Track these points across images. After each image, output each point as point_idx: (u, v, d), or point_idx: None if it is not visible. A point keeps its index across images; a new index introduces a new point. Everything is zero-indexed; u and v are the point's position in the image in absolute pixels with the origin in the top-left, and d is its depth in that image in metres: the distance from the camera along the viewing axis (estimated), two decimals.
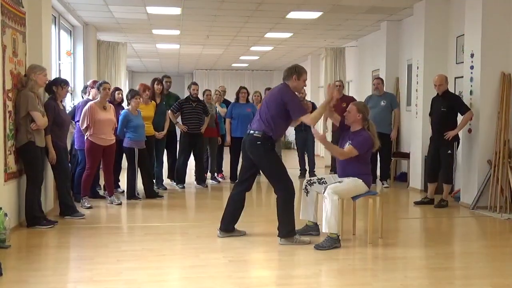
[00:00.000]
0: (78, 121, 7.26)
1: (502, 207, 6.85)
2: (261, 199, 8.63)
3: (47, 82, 6.21)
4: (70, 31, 10.52)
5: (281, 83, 5.44)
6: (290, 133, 14.74)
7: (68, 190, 6.65)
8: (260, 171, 5.66)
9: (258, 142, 5.24)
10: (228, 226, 5.55)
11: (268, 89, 10.81)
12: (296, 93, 5.38)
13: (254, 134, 5.27)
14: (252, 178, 5.57)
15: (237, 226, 5.62)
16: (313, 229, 5.59)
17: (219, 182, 9.81)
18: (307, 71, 5.49)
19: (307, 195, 5.54)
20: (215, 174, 9.95)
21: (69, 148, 7.22)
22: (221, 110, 10.00)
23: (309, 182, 5.57)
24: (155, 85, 8.76)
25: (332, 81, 12.64)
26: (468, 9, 7.40)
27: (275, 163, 5.36)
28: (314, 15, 9.91)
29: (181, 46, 14.28)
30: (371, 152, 5.49)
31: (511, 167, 6.88)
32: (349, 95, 11.15)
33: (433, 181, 7.60)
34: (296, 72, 5.31)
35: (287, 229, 5.27)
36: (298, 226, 5.55)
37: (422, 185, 8.58)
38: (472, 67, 7.30)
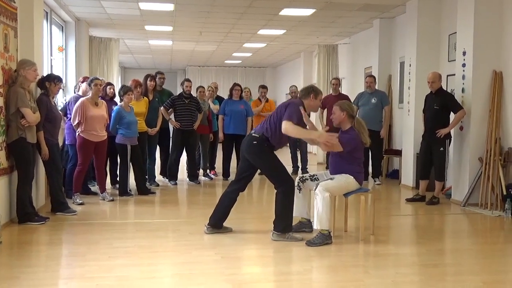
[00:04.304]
0: (69, 116, 7.25)
1: (492, 204, 6.90)
2: (253, 196, 8.63)
3: (37, 77, 6.16)
4: (62, 26, 10.46)
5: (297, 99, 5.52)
6: None
7: (60, 186, 6.62)
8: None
9: (254, 142, 5.31)
10: (217, 223, 5.57)
11: (262, 86, 10.81)
12: (303, 108, 5.31)
13: (253, 135, 5.37)
14: (248, 178, 5.59)
15: (228, 222, 5.62)
16: (306, 225, 5.61)
17: (211, 178, 9.80)
18: (322, 92, 5.54)
19: (299, 192, 5.54)
20: (208, 171, 9.94)
21: (60, 144, 7.19)
22: (214, 106, 9.99)
23: (301, 179, 5.58)
24: (148, 81, 8.74)
25: (325, 78, 12.68)
26: (460, 7, 7.43)
27: (272, 160, 5.38)
28: (307, 12, 9.91)
29: (174, 43, 14.25)
30: (362, 150, 5.48)
31: (502, 165, 6.93)
32: (342, 92, 11.13)
33: (425, 178, 7.64)
34: (314, 91, 5.39)
35: (284, 224, 5.29)
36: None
37: (414, 182, 8.62)
38: (464, 65, 7.34)
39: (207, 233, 5.53)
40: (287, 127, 5.12)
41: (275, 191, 5.38)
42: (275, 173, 5.37)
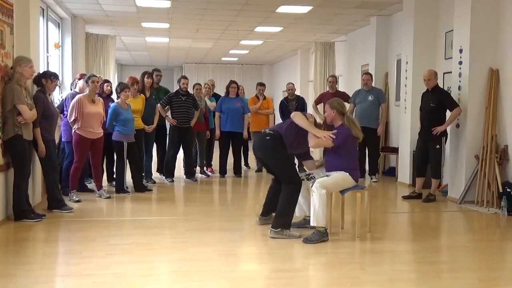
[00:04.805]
0: (65, 113, 7.24)
1: (488, 202, 6.92)
2: (251, 193, 8.65)
3: (33, 74, 6.15)
4: (58, 23, 10.43)
5: None
6: None
7: (56, 183, 6.60)
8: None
9: (267, 137, 5.44)
10: (268, 212, 5.79)
11: (260, 84, 10.80)
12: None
13: (267, 131, 5.54)
14: None
15: (225, 219, 5.63)
16: (309, 222, 5.61)
17: (208, 176, 9.80)
18: None
19: None
20: (205, 168, 9.94)
21: (56, 141, 7.18)
22: (211, 104, 9.99)
23: None
24: (145, 79, 8.73)
25: (322, 75, 12.68)
26: (457, 5, 7.44)
27: (283, 157, 5.47)
28: (304, 9, 9.90)
29: (170, 40, 14.22)
30: (355, 145, 5.49)
31: (498, 162, 6.95)
32: (340, 90, 11.14)
33: (421, 175, 7.66)
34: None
35: (283, 221, 5.32)
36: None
37: (410, 180, 8.64)
38: (460, 63, 7.35)
39: (259, 224, 5.74)
40: (296, 114, 5.46)
41: (268, 189, 5.43)
42: (285, 171, 5.44)
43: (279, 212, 5.35)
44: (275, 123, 12.63)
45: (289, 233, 5.30)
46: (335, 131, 5.35)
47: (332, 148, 5.35)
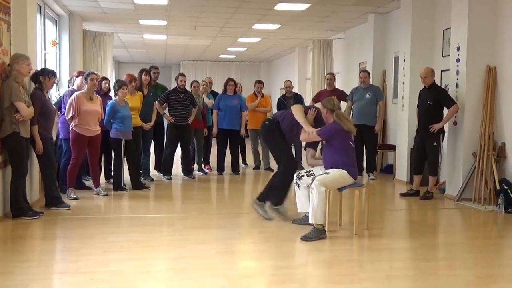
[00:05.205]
0: (63, 110, 7.23)
1: (486, 199, 6.93)
2: (249, 191, 8.65)
3: (31, 71, 6.13)
4: (56, 20, 10.41)
5: None
6: None
7: (54, 181, 6.59)
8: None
9: (266, 123, 5.86)
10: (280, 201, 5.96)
11: (258, 81, 10.79)
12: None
13: (267, 118, 6.05)
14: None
15: (223, 217, 5.63)
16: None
17: (206, 173, 9.80)
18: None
19: (299, 188, 5.61)
20: (202, 166, 9.94)
21: (54, 138, 7.17)
22: (208, 101, 9.98)
23: (298, 176, 5.61)
24: (143, 76, 8.71)
25: (319, 72, 12.69)
26: (454, 2, 7.44)
27: (278, 141, 5.79)
28: (302, 6, 9.90)
29: (168, 37, 14.20)
30: (349, 140, 5.48)
31: (496, 160, 6.96)
32: (337, 87, 11.15)
33: (419, 173, 7.66)
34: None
35: (271, 195, 5.68)
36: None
37: (408, 177, 8.65)
38: (458, 60, 7.35)
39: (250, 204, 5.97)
40: (295, 106, 5.77)
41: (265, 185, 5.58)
42: (279, 153, 5.83)
43: (270, 186, 5.70)
44: None
45: (266, 209, 5.66)
46: (324, 126, 5.50)
47: (326, 143, 5.49)
